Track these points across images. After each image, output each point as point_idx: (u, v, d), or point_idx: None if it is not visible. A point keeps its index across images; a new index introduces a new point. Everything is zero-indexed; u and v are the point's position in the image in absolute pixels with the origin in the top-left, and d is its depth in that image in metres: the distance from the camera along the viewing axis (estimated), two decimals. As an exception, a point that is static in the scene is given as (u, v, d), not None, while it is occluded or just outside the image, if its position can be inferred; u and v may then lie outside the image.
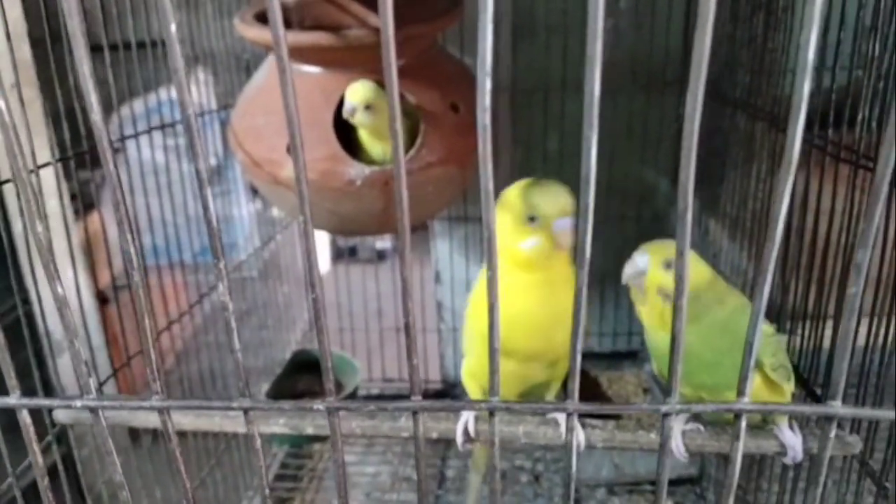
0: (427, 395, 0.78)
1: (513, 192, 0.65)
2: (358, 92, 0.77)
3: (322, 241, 1.92)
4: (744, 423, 0.23)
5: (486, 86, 0.22)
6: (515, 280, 0.64)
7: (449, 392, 1.45)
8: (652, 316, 0.63)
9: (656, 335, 0.64)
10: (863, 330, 0.65)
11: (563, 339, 0.64)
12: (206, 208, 0.27)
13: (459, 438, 0.66)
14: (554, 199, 0.62)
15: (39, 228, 0.32)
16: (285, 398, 1.19)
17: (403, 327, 0.26)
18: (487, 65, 0.21)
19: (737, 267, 0.96)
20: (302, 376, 1.24)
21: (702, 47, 0.18)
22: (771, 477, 0.82)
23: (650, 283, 0.62)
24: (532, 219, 0.62)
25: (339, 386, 1.20)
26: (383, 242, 2.07)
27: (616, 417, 0.71)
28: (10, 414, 0.39)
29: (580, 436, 0.65)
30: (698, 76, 0.19)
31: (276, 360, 1.34)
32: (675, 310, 0.21)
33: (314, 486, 1.23)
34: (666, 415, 0.23)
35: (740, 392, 0.22)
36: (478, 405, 0.27)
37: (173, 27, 0.26)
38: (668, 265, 0.61)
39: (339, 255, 1.96)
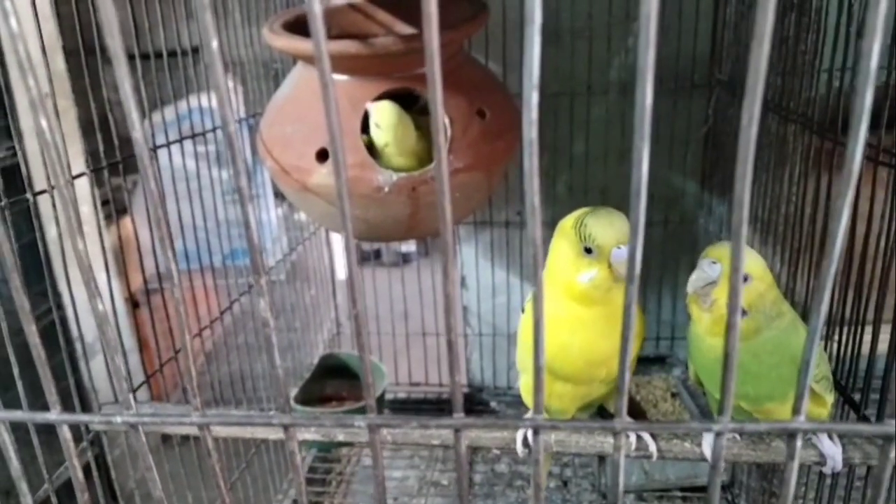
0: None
1: (569, 222, 0.62)
2: (375, 110, 0.77)
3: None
4: (799, 443, 0.22)
5: (532, 99, 0.22)
6: (576, 313, 0.62)
7: (475, 396, 1.45)
8: (714, 326, 0.60)
9: (705, 343, 0.63)
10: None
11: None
12: (247, 227, 0.27)
13: (519, 448, 0.67)
14: (609, 228, 0.59)
15: (81, 246, 0.32)
16: (313, 402, 1.20)
17: (447, 343, 0.26)
18: (535, 78, 0.21)
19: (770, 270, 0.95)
20: (330, 380, 1.25)
21: (759, 61, 0.18)
22: (808, 484, 0.80)
23: (722, 294, 0.58)
24: (588, 250, 0.60)
25: (365, 390, 1.20)
26: (408, 246, 2.07)
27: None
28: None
29: (631, 446, 0.64)
30: (754, 93, 0.19)
31: (303, 363, 1.34)
32: (729, 327, 0.21)
33: (342, 490, 1.23)
34: (718, 434, 0.22)
35: (796, 410, 0.22)
36: (522, 423, 0.26)
37: (215, 44, 0.26)
38: (744, 278, 0.55)
39: (363, 258, 1.97)
